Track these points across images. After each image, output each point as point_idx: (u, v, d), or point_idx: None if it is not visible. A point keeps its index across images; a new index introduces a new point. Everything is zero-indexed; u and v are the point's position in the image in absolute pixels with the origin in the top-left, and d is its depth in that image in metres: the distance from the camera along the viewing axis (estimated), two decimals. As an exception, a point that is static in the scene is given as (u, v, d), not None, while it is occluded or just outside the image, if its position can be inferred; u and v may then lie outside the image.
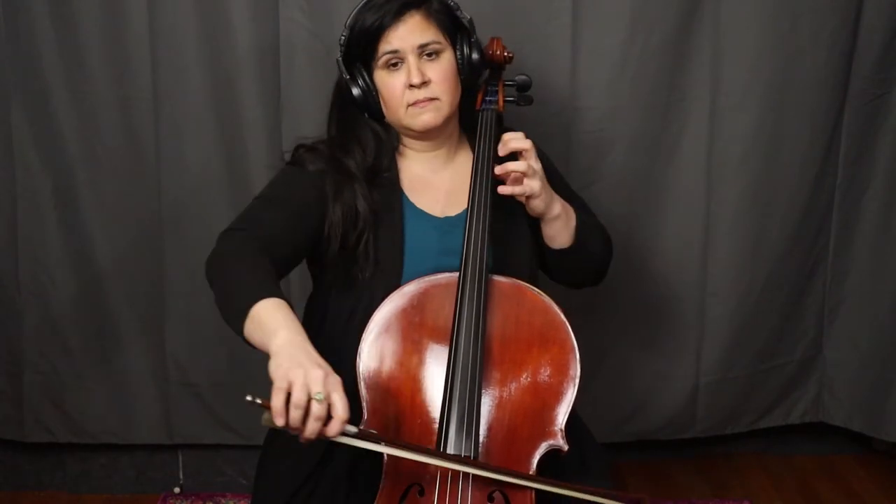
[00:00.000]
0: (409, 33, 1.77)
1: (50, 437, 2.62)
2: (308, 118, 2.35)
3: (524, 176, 1.77)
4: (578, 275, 1.96)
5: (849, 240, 2.64)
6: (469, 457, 1.62)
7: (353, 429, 1.49)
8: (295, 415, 1.43)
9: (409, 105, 1.80)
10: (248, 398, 1.42)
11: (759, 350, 2.66)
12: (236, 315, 1.56)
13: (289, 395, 1.43)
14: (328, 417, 1.44)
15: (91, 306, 2.54)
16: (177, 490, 2.72)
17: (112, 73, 2.40)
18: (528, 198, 1.78)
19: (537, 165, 1.78)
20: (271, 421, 1.44)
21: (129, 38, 2.38)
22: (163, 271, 2.51)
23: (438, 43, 1.79)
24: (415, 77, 1.77)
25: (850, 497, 2.68)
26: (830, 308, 2.69)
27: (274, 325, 1.52)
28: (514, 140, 1.79)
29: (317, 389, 1.43)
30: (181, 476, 2.73)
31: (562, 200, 1.85)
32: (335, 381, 1.46)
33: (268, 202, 1.79)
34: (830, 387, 2.73)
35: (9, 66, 2.41)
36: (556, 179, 1.96)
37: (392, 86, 1.79)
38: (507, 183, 1.78)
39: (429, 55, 1.79)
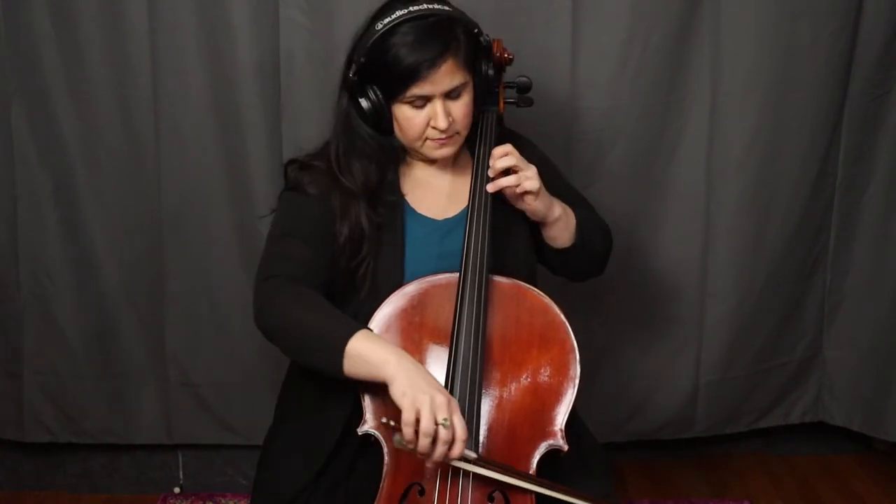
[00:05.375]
0: (441, 79, 1.72)
1: (50, 437, 2.62)
2: (308, 118, 2.35)
3: (516, 171, 1.76)
4: (580, 270, 1.97)
5: (849, 240, 2.63)
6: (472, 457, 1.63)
7: (472, 454, 1.58)
8: (424, 442, 1.52)
9: (428, 139, 1.79)
10: (384, 421, 1.54)
11: (759, 350, 2.65)
12: (330, 359, 1.60)
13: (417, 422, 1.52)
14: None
15: (91, 306, 2.54)
16: (177, 490, 2.72)
17: (112, 73, 2.40)
18: (527, 198, 1.77)
19: (523, 164, 1.77)
20: (403, 443, 1.54)
21: (129, 39, 2.38)
22: (163, 271, 2.51)
23: (465, 83, 1.77)
24: (442, 122, 1.74)
25: (850, 497, 2.68)
26: (830, 308, 2.69)
27: (379, 355, 1.58)
28: (498, 160, 1.76)
29: (443, 415, 1.52)
30: (181, 476, 2.73)
31: (560, 202, 1.85)
32: (456, 405, 1.55)
33: (286, 239, 1.78)
34: (830, 387, 2.73)
35: (9, 66, 2.41)
36: (554, 175, 1.97)
37: (414, 122, 1.76)
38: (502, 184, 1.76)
39: (453, 94, 1.76)
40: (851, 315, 2.67)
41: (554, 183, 1.91)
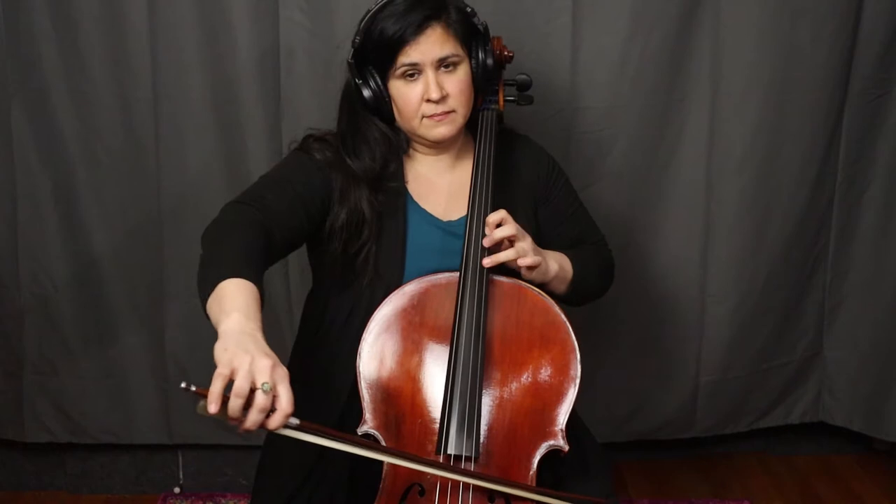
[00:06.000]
0: (429, 46, 1.74)
1: (50, 437, 2.62)
2: (308, 118, 2.34)
3: (513, 241, 1.74)
4: (575, 305, 1.95)
5: (849, 240, 2.64)
6: (470, 457, 1.62)
7: (295, 421, 1.41)
8: (235, 404, 1.35)
9: (424, 117, 1.79)
10: (183, 385, 1.32)
11: (759, 350, 2.66)
12: (205, 286, 1.52)
13: (230, 383, 1.35)
14: (271, 409, 1.38)
15: (91, 306, 2.54)
16: (177, 490, 2.72)
17: (112, 73, 2.40)
18: (524, 270, 1.75)
19: (521, 233, 1.74)
20: (206, 409, 1.34)
21: (129, 39, 2.38)
22: (163, 271, 2.51)
23: (457, 55, 1.77)
24: (434, 93, 1.75)
25: (850, 497, 2.68)
26: (830, 308, 2.69)
27: (231, 305, 1.46)
28: (495, 231, 1.72)
29: (263, 379, 1.36)
30: (181, 476, 2.73)
31: (555, 256, 1.84)
32: (282, 373, 1.39)
33: (274, 182, 1.78)
34: (830, 387, 2.73)
35: (9, 66, 2.41)
36: (568, 196, 1.99)
37: (408, 97, 1.77)
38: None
39: (446, 67, 1.77)
40: (851, 315, 2.68)
41: (568, 205, 1.96)
